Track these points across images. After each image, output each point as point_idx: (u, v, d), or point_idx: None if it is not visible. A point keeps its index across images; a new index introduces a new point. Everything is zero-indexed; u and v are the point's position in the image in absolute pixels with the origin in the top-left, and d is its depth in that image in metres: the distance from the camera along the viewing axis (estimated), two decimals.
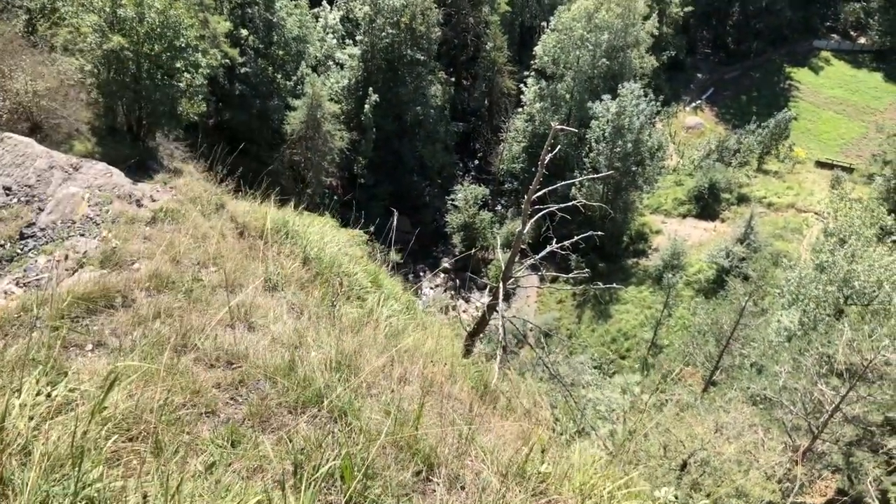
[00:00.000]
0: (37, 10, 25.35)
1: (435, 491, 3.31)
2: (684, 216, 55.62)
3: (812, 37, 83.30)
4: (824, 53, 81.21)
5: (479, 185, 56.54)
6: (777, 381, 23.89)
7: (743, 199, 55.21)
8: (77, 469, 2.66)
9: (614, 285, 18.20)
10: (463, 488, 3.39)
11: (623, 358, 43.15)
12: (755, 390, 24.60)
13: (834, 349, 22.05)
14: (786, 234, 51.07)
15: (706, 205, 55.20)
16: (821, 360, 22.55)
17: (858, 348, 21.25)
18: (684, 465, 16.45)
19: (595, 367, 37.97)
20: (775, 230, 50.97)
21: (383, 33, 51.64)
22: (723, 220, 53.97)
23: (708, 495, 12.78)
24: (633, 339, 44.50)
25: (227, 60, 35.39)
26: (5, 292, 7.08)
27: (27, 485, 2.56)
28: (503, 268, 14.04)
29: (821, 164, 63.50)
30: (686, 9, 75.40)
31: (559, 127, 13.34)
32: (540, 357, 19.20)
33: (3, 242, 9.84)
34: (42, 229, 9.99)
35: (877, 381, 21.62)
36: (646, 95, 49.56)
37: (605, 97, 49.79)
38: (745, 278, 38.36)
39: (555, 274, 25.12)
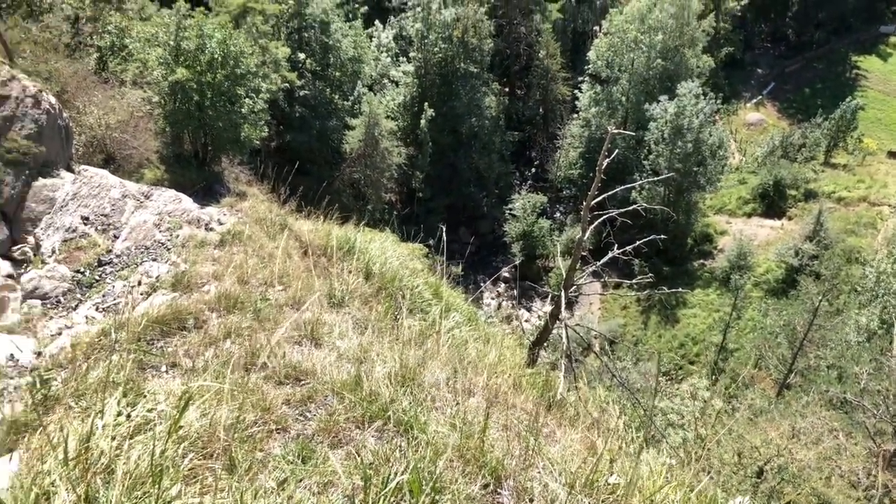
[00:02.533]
0: (107, 48, 26.60)
1: (503, 503, 3.31)
2: (749, 215, 53.94)
3: (878, 23, 79.77)
4: (893, 39, 77.74)
5: (537, 194, 56.25)
6: (858, 383, 22.89)
7: (811, 195, 53.11)
8: (157, 487, 2.77)
9: (679, 289, 17.80)
10: (531, 500, 3.37)
11: (692, 363, 42.06)
12: (834, 393, 23.61)
13: None
14: (858, 229, 48.87)
15: (772, 202, 53.38)
16: None
17: None
18: (760, 472, 15.90)
19: (664, 374, 37.14)
20: (847, 226, 48.82)
21: (436, 48, 52.11)
22: (790, 218, 52.08)
23: (788, 503, 12.31)
24: (701, 344, 43.35)
25: (287, 84, 36.30)
26: (87, 317, 7.41)
27: (111, 502, 2.68)
28: (564, 276, 13.90)
29: (893, 155, 60.62)
30: (742, 2, 73.46)
31: (616, 131, 13.17)
32: (606, 365, 18.90)
33: (83, 270, 10.31)
34: (118, 256, 10.42)
35: None
36: (704, 95, 48.47)
37: (662, 98, 48.93)
38: (817, 277, 36.98)
39: (618, 280, 24.73)
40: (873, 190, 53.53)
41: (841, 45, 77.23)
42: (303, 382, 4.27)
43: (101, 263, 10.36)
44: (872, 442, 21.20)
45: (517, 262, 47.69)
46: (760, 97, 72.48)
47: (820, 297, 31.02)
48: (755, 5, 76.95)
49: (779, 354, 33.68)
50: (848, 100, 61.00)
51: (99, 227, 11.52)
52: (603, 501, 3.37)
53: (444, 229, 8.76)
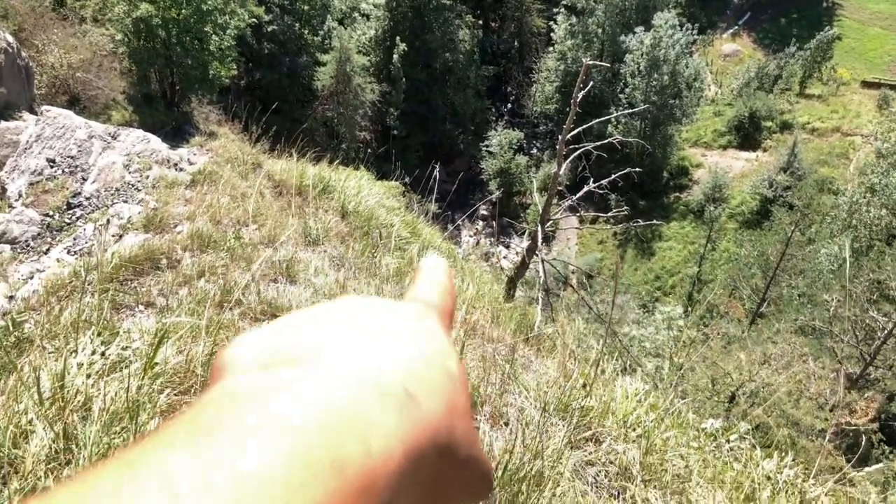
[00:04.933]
0: None
1: (479, 428, 3.38)
2: (725, 147, 54.15)
3: None
4: None
5: (514, 130, 55.81)
6: (827, 310, 23.51)
7: (786, 127, 53.32)
8: (134, 422, 2.78)
9: (655, 222, 17.96)
10: (506, 424, 3.44)
11: (667, 295, 42.86)
12: (804, 321, 24.28)
13: (886, 275, 21.55)
14: (831, 159, 49.41)
15: (747, 134, 53.54)
16: (872, 286, 22.09)
17: None
18: (733, 398, 16.44)
19: (641, 307, 37.81)
20: (820, 156, 49.31)
21: None
22: (765, 150, 52.38)
23: (757, 427, 12.77)
24: (677, 276, 44.10)
25: (254, 20, 35.28)
26: (58, 260, 7.32)
27: (90, 438, 2.69)
28: (541, 211, 13.95)
29: (867, 84, 60.58)
30: None
31: (591, 63, 13.02)
32: (583, 298, 19.17)
33: (51, 213, 10.13)
34: (87, 198, 10.23)
35: None
36: (681, 25, 47.89)
37: (639, 30, 48.31)
38: (791, 207, 37.50)
39: (594, 214, 24.89)
40: (846, 120, 53.88)
41: None
42: (278, 318, 4.27)
43: (70, 206, 10.17)
44: (840, 366, 21.95)
45: (494, 199, 47.67)
46: (736, 27, 71.76)
47: (793, 227, 31.52)
48: None
49: (752, 284, 34.38)
50: (826, 29, 60.57)
51: (66, 170, 11.27)
52: (577, 424, 3.45)
53: (438, 168, 8.65)
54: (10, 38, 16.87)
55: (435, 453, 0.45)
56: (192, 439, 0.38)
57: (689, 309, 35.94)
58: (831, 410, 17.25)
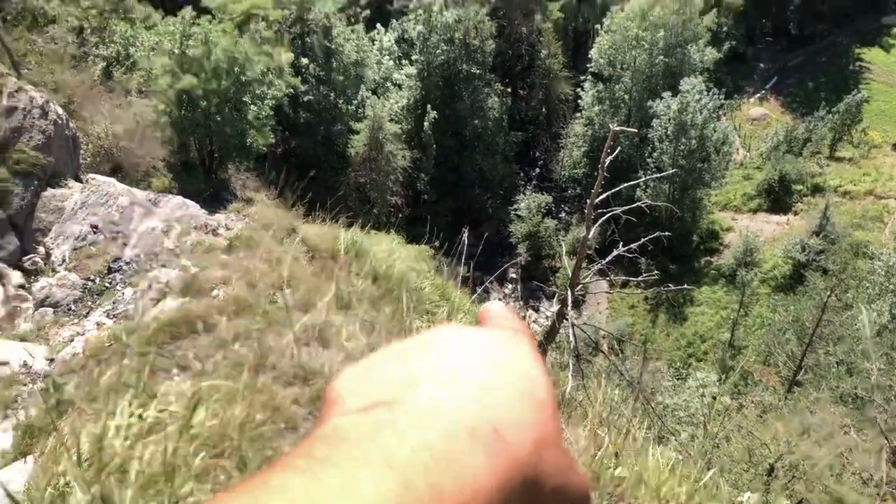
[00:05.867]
0: (112, 58, 26.80)
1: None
2: (755, 211, 53.70)
3: (880, 14, 79.21)
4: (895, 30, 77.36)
5: (542, 194, 56.22)
6: (868, 378, 22.79)
7: (817, 190, 52.80)
8: (170, 485, 2.83)
9: (686, 286, 17.79)
10: None
11: (700, 361, 41.98)
12: (844, 389, 23.53)
13: None
14: (865, 222, 48.59)
15: (777, 198, 53.10)
16: None
17: None
18: (771, 470, 15.87)
19: (674, 373, 37.10)
20: (853, 220, 48.54)
21: (438, 50, 52.17)
22: (796, 213, 51.82)
23: (800, 502, 12.28)
24: (709, 342, 43.23)
25: (291, 90, 36.53)
26: (98, 324, 7.50)
27: (126, 501, 2.74)
28: (570, 275, 13.95)
29: None
30: None
31: (619, 128, 13.22)
32: (614, 364, 18.90)
33: (92, 277, 10.41)
34: (127, 263, 10.52)
35: None
36: (708, 90, 48.36)
37: (666, 95, 48.85)
38: (825, 272, 36.84)
39: (624, 278, 24.73)
40: (879, 183, 53.21)
41: (843, 38, 76.72)
42: (311, 382, 4.33)
43: (110, 271, 10.46)
44: (884, 438, 21.11)
45: (523, 262, 47.72)
46: (763, 92, 72.20)
47: (828, 292, 30.88)
48: (756, 0, 76.73)
49: (788, 351, 33.55)
50: (853, 93, 60.58)
51: (108, 235, 11.63)
52: (610, 494, 3.41)
53: (466, 232, 8.77)
54: (60, 111, 17.71)
55: (523, 486, 0.48)
56: (312, 468, 0.45)
57: (723, 376, 35.14)
58: (877, 486, 16.55)
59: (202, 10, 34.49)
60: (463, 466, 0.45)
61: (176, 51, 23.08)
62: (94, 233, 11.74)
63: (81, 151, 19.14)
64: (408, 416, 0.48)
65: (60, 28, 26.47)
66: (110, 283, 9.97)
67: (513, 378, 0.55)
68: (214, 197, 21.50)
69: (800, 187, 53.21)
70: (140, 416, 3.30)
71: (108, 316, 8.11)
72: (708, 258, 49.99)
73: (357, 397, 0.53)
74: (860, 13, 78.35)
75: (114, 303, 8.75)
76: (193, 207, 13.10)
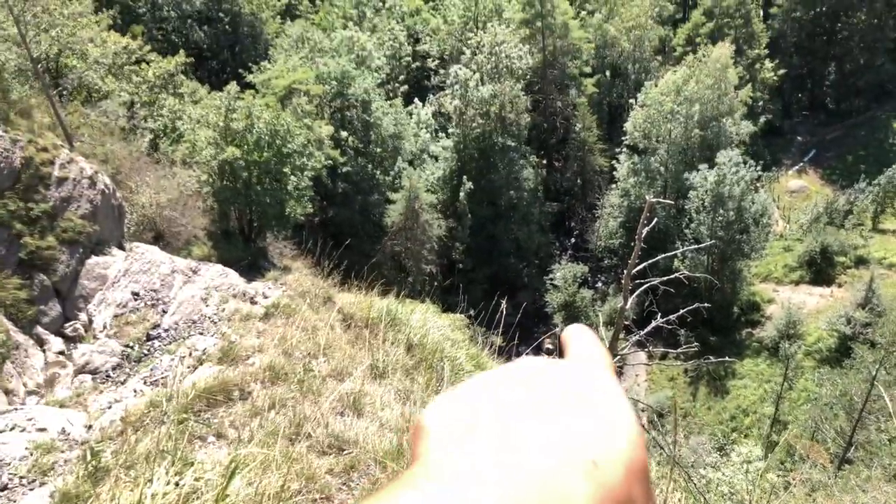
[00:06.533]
0: (160, 130, 27.92)
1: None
2: (797, 283, 52.65)
3: None
4: None
5: (578, 264, 56.01)
6: None
7: (861, 262, 51.75)
8: None
9: (727, 359, 17.36)
10: None
11: (744, 436, 40.50)
12: None
13: None
14: None
15: (819, 270, 52.11)
16: None
17: None
18: None
19: (717, 448, 35.84)
20: None
21: (474, 124, 53.26)
22: (839, 285, 50.67)
23: None
24: (753, 416, 41.80)
25: (330, 161, 37.47)
26: (135, 391, 7.57)
27: None
28: (607, 345, 13.73)
29: None
30: (779, 72, 73.91)
31: (654, 200, 13.23)
32: (654, 438, 18.33)
33: (132, 344, 10.58)
34: (166, 330, 10.69)
35: None
36: (745, 162, 48.30)
37: (702, 167, 48.89)
38: (872, 345, 35.66)
39: (663, 350, 24.25)
40: None
41: (881, 112, 76.54)
42: (346, 452, 4.30)
43: (149, 338, 10.63)
44: None
45: (559, 332, 47.16)
46: (802, 164, 71.88)
47: (877, 366, 29.84)
48: (791, 75, 77.31)
49: (836, 427, 32.28)
50: (894, 166, 60.00)
51: (148, 302, 11.86)
52: None
53: (505, 304, 8.76)
54: (108, 181, 18.38)
55: None
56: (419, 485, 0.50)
57: (768, 452, 33.82)
58: None
59: (246, 86, 36.00)
60: (570, 496, 0.47)
61: (220, 123, 23.98)
62: (136, 300, 12.00)
63: (126, 220, 19.76)
64: (505, 447, 0.50)
65: (113, 102, 27.79)
66: (149, 350, 10.11)
67: (601, 411, 0.57)
68: (253, 265, 21.89)
69: (843, 259, 52.17)
70: (177, 484, 3.30)
71: (145, 383, 8.20)
72: (749, 330, 48.87)
73: (448, 429, 0.55)
74: None
75: (151, 370, 8.85)
76: (232, 275, 13.33)
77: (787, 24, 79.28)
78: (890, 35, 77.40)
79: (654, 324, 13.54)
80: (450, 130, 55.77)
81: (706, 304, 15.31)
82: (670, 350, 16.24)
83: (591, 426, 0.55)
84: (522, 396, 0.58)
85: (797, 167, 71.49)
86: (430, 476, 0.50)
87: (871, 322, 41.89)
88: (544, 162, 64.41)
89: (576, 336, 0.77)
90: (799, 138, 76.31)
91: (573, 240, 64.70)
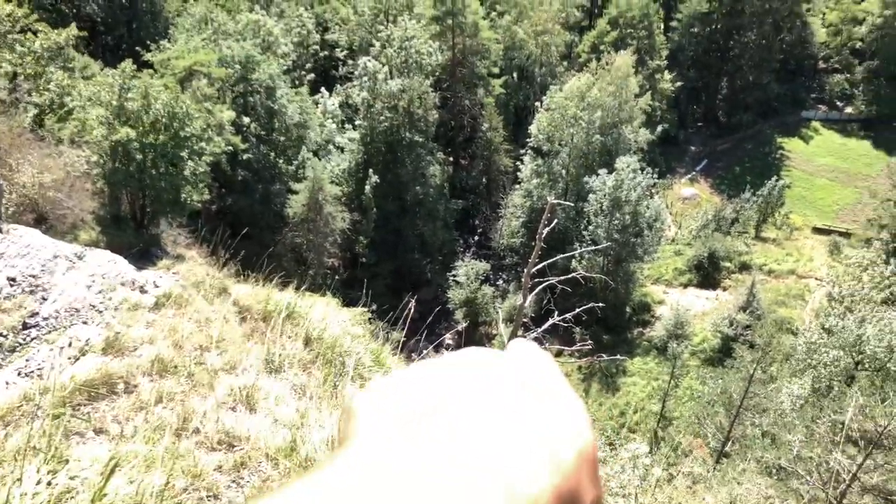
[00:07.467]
0: (45, 105, 26.13)
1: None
2: (685, 286, 55.60)
3: (800, 108, 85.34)
4: (814, 123, 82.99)
5: (480, 261, 56.80)
6: (791, 450, 23.36)
7: (744, 267, 55.27)
8: None
9: (619, 357, 18.05)
10: None
11: (633, 431, 42.28)
12: (769, 460, 24.01)
13: (848, 416, 21.64)
14: (788, 300, 51.00)
15: (707, 274, 55.26)
16: (834, 427, 22.12)
17: (871, 415, 20.88)
18: None
19: (608, 444, 37.17)
20: (777, 297, 50.89)
21: (382, 117, 52.97)
22: (724, 289, 53.90)
23: None
24: (641, 412, 43.72)
25: (230, 147, 36.24)
26: (7, 383, 7.04)
27: None
28: (505, 342, 13.97)
29: (818, 230, 63.98)
30: (676, 84, 77.50)
31: (555, 201, 13.56)
32: None
33: (5, 333, 9.84)
34: (45, 318, 10.00)
35: (894, 447, 21.14)
36: (642, 169, 50.36)
37: (602, 171, 50.59)
38: (752, 346, 38.04)
39: (559, 347, 24.96)
40: (800, 263, 56.15)
41: (767, 127, 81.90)
42: (236, 448, 4.15)
43: (26, 326, 9.90)
44: None
45: (460, 329, 47.68)
46: (694, 173, 75.81)
47: (754, 366, 31.80)
48: (687, 88, 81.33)
49: (716, 422, 34.19)
50: (774, 179, 64.32)
51: (26, 289, 11.07)
52: None
53: (413, 301, 8.70)
54: None
55: (570, 495, 0.51)
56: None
57: (654, 447, 35.44)
58: None
59: (144, 65, 34.27)
60: (533, 483, 0.49)
61: (114, 102, 22.70)
62: (11, 285, 11.18)
63: (4, 200, 18.38)
64: (458, 435, 0.52)
65: None
66: (24, 340, 9.44)
67: (552, 399, 0.58)
68: (144, 253, 20.89)
69: (728, 264, 55.52)
70: (49, 483, 3.08)
71: (20, 374, 7.64)
72: (640, 329, 51.09)
73: (382, 414, 0.55)
74: (783, 106, 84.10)
75: (26, 360, 8.26)
76: (121, 263, 12.63)
77: (685, 38, 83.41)
78: (777, 56, 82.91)
79: (550, 321, 13.90)
80: (357, 122, 55.23)
81: (601, 304, 15.87)
82: (565, 347, 16.72)
83: (545, 414, 0.55)
84: (473, 385, 0.57)
85: (689, 176, 75.36)
86: (355, 463, 0.53)
87: (752, 324, 44.70)
88: (451, 159, 64.95)
89: (518, 342, 0.76)
90: (692, 148, 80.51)
91: (477, 237, 65.56)
